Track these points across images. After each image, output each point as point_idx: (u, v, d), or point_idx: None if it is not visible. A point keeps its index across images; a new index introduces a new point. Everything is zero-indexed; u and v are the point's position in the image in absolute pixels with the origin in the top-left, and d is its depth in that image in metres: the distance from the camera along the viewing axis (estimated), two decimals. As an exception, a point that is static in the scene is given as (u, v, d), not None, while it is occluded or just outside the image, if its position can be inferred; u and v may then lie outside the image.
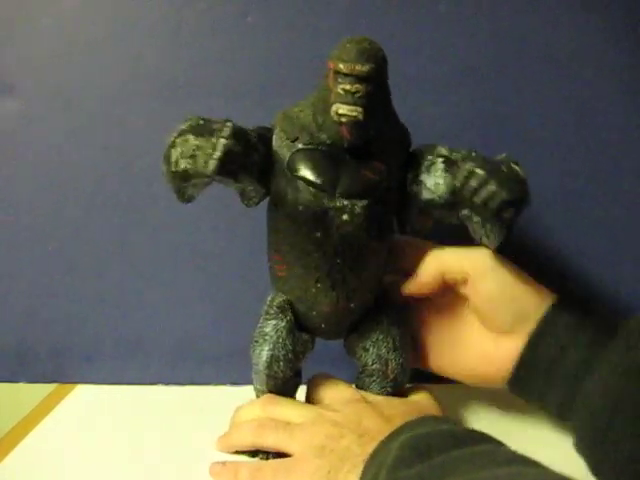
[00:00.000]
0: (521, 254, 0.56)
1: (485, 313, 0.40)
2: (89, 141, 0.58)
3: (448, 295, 0.43)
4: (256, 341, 0.44)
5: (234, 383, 0.59)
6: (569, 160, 0.54)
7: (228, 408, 0.54)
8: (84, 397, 0.59)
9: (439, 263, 0.40)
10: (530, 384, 0.39)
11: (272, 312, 0.44)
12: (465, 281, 0.40)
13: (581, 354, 0.36)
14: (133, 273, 0.59)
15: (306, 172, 0.37)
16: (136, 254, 0.59)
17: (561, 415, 0.38)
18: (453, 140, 0.52)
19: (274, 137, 0.40)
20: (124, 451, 0.48)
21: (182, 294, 0.59)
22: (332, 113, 0.34)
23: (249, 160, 0.37)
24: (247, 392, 0.58)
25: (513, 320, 0.39)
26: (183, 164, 0.35)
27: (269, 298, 0.45)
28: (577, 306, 0.38)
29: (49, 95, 0.57)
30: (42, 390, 0.60)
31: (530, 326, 0.38)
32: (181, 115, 0.58)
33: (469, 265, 0.39)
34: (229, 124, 0.36)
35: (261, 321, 0.44)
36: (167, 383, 0.60)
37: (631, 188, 0.53)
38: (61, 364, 0.62)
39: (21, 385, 0.62)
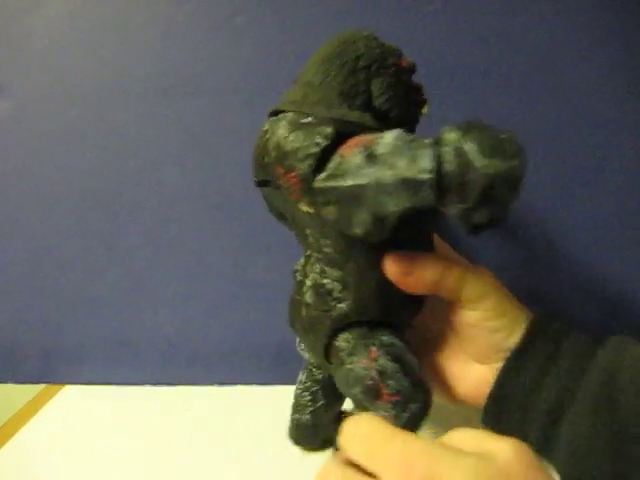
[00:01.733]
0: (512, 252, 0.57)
1: (463, 339, 0.37)
2: (78, 142, 0.57)
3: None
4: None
5: (222, 383, 0.59)
6: (561, 159, 0.54)
7: (216, 408, 0.55)
8: (72, 397, 0.59)
9: (444, 271, 0.34)
10: (503, 421, 0.35)
11: (398, 345, 0.33)
12: (456, 303, 0.35)
13: (556, 389, 0.33)
14: (122, 274, 0.59)
15: None
16: (125, 254, 0.59)
17: (541, 452, 0.34)
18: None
19: None
20: (112, 451, 0.48)
21: (170, 295, 0.59)
22: (424, 111, 0.34)
23: None
24: (235, 393, 0.58)
25: (489, 350, 0.35)
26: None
27: (364, 343, 0.33)
28: (551, 330, 0.34)
29: (38, 96, 0.57)
30: (30, 390, 0.60)
31: (504, 354, 0.35)
32: (171, 115, 0.58)
33: (469, 291, 0.34)
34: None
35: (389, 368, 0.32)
36: (155, 383, 0.60)
37: (624, 188, 0.54)
38: (49, 364, 0.61)
39: (9, 386, 0.62)
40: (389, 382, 0.31)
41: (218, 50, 0.54)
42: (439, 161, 0.25)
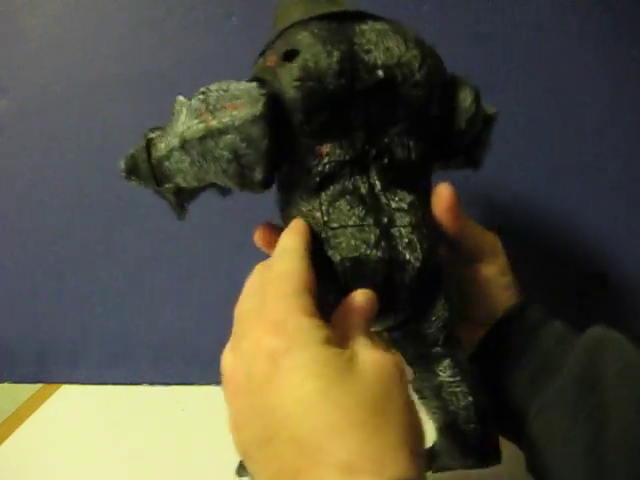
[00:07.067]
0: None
1: (477, 298, 0.37)
2: (75, 140, 0.58)
3: None
4: None
5: (218, 383, 0.59)
6: (553, 158, 0.54)
7: (213, 408, 0.55)
8: (68, 397, 0.59)
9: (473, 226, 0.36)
10: (487, 373, 0.35)
11: None
12: (476, 257, 0.36)
13: (538, 361, 0.34)
14: (118, 274, 0.59)
15: None
16: (121, 254, 0.59)
17: (521, 411, 0.34)
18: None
19: None
20: (108, 451, 0.49)
21: (167, 294, 0.59)
22: None
23: None
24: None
25: (499, 308, 0.36)
26: None
27: None
28: (537, 310, 0.36)
29: (35, 95, 0.57)
30: (26, 390, 0.60)
31: (490, 322, 0.36)
32: (167, 114, 0.58)
33: (488, 245, 0.36)
34: None
35: None
36: (152, 383, 0.60)
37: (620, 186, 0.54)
38: (46, 364, 0.62)
39: (5, 385, 0.62)
40: None
41: (213, 50, 0.54)
42: None
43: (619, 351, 0.31)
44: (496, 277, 0.36)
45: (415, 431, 0.23)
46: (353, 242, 0.29)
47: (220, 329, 0.60)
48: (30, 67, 0.57)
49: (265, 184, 0.31)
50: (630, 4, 0.50)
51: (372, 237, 0.29)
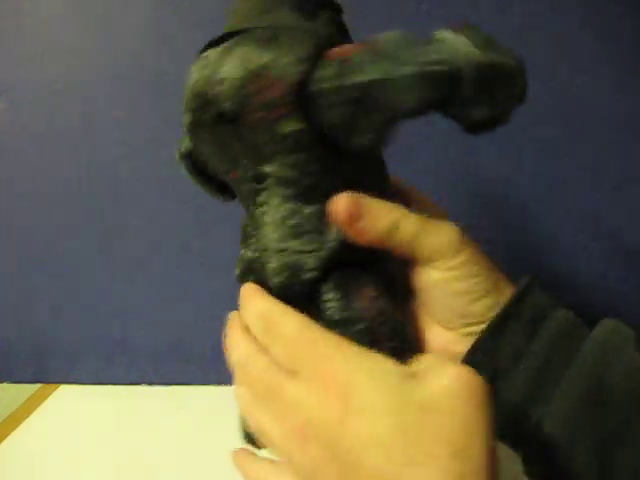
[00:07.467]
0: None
1: (424, 301, 0.31)
2: (72, 141, 0.58)
3: None
4: None
5: (219, 383, 0.59)
6: (553, 158, 0.54)
7: (212, 408, 0.55)
8: (67, 397, 0.59)
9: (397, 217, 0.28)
10: None
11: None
12: (414, 260, 0.30)
13: (539, 362, 0.30)
14: (117, 274, 0.59)
15: None
16: (120, 255, 0.59)
17: (510, 435, 0.31)
18: (438, 137, 0.53)
19: None
20: (107, 451, 0.49)
21: (166, 294, 0.59)
22: None
23: None
24: (230, 392, 0.58)
25: (453, 315, 0.31)
26: None
27: None
28: (537, 304, 0.31)
29: (35, 95, 0.57)
30: (26, 390, 0.60)
31: (470, 320, 0.30)
32: (164, 115, 0.58)
33: (427, 247, 0.29)
34: None
35: None
36: (151, 383, 0.60)
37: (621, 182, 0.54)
38: (44, 364, 0.61)
39: (4, 385, 0.62)
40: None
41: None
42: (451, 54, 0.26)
43: (626, 355, 0.29)
44: (442, 284, 0.30)
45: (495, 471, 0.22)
46: (240, 264, 0.30)
47: (220, 329, 0.60)
48: (30, 67, 0.57)
49: (228, 198, 0.35)
50: (631, 3, 0.50)
51: (248, 261, 0.29)
